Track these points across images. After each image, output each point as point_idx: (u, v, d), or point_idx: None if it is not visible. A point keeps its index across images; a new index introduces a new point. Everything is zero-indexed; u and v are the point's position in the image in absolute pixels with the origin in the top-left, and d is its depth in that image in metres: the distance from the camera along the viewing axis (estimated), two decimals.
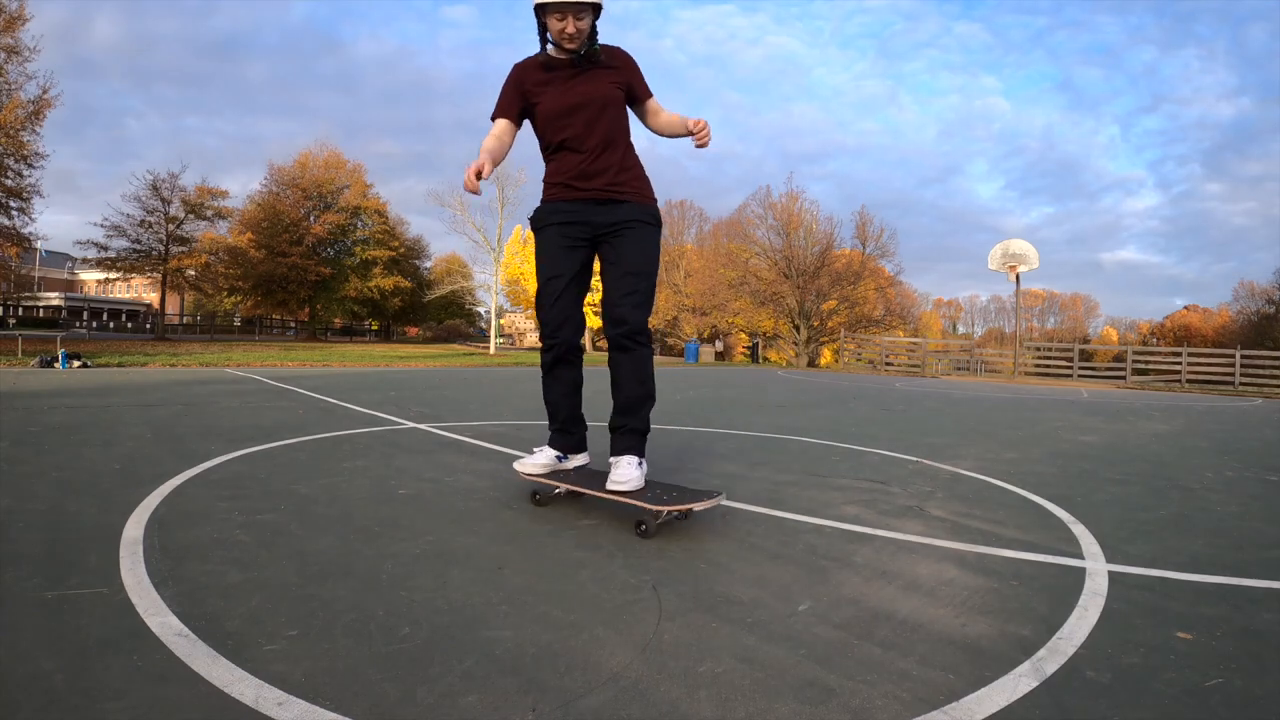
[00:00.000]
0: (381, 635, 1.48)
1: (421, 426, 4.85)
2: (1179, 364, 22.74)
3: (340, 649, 1.41)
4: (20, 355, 12.20)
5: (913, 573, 2.03)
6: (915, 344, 31.12)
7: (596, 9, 2.40)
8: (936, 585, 1.93)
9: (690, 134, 2.52)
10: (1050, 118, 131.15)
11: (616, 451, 2.50)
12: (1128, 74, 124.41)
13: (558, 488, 2.62)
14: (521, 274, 39.53)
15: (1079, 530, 2.58)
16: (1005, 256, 24.10)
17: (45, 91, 18.62)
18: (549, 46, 2.50)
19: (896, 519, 2.68)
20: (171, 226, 27.23)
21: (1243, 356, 21.61)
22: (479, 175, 2.29)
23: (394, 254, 37.26)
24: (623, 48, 2.59)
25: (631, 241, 2.50)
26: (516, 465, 2.69)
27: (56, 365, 10.68)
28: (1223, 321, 52.70)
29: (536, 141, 2.64)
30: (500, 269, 32.63)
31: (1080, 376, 24.29)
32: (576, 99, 2.48)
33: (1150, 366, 26.67)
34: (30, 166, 18.89)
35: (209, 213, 28.65)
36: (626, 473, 2.40)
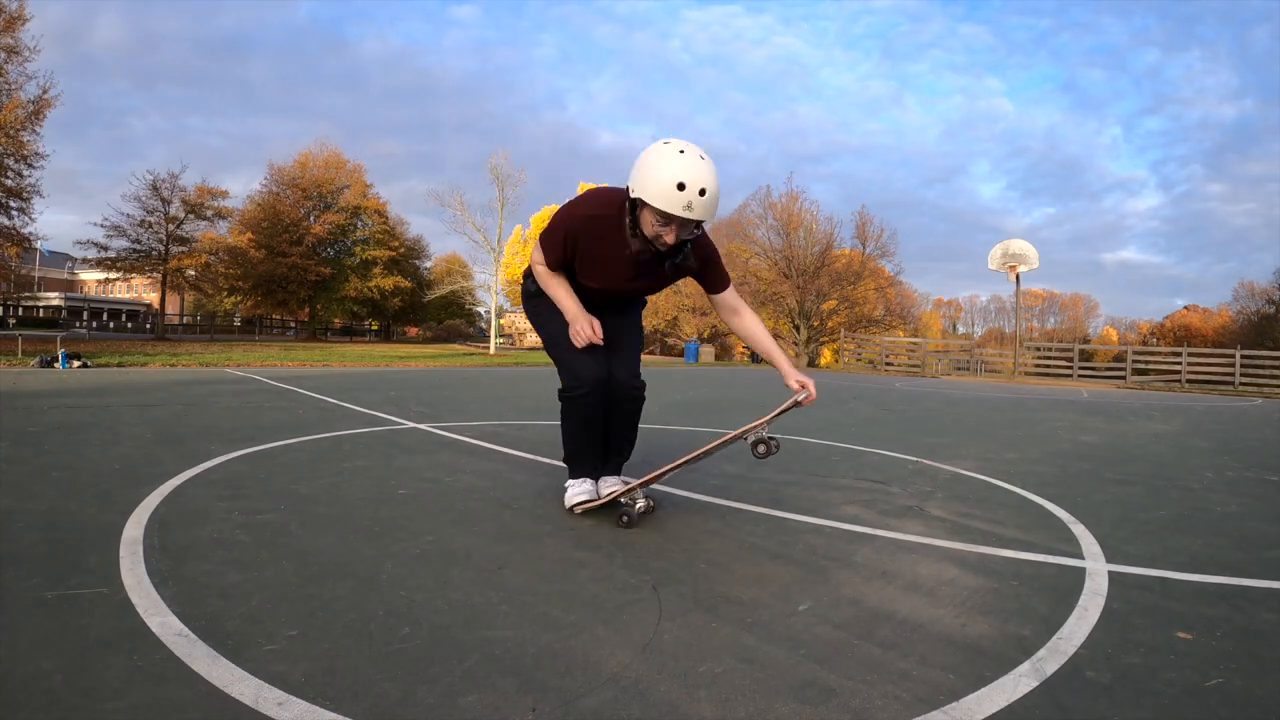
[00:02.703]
0: (381, 635, 1.48)
1: (421, 426, 4.85)
2: (1179, 364, 22.75)
3: (340, 649, 1.41)
4: (20, 355, 12.20)
5: (913, 573, 2.03)
6: (915, 344, 31.12)
7: (700, 224, 2.15)
8: (936, 585, 1.93)
9: (792, 391, 2.36)
10: (1053, 119, 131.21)
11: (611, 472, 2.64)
12: (1131, 75, 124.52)
13: (639, 502, 2.46)
14: (521, 274, 39.49)
15: (1079, 530, 2.58)
16: (1005, 256, 24.10)
17: (45, 91, 18.63)
18: (635, 235, 2.18)
19: (896, 519, 2.67)
20: (171, 226, 27.24)
21: (1243, 357, 21.61)
22: (595, 332, 2.31)
23: (394, 254, 37.27)
24: (708, 238, 2.33)
25: (636, 306, 2.65)
26: (569, 502, 2.56)
27: (56, 365, 10.68)
28: (1223, 321, 52.70)
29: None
30: (500, 269, 32.61)
31: (1080, 376, 24.29)
32: (635, 287, 2.39)
33: (1150, 366, 26.67)
34: (30, 166, 18.90)
35: (209, 213, 28.67)
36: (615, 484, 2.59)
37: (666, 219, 2.08)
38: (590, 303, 2.44)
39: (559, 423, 2.57)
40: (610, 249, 2.25)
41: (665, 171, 2.02)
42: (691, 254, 2.28)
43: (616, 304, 2.55)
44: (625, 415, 2.55)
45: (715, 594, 1.80)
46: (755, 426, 2.39)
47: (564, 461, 2.61)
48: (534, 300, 2.55)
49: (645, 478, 2.51)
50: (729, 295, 2.45)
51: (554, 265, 2.37)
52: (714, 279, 2.42)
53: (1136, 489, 3.50)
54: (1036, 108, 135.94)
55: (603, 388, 2.42)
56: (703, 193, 2.02)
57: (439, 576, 1.85)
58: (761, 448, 2.36)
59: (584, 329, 2.27)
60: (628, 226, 2.17)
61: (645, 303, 2.75)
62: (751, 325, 2.49)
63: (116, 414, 5.04)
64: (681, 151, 2.04)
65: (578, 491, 2.55)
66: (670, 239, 2.12)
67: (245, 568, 1.86)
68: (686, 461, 2.48)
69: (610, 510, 2.59)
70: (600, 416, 2.48)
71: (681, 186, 2.00)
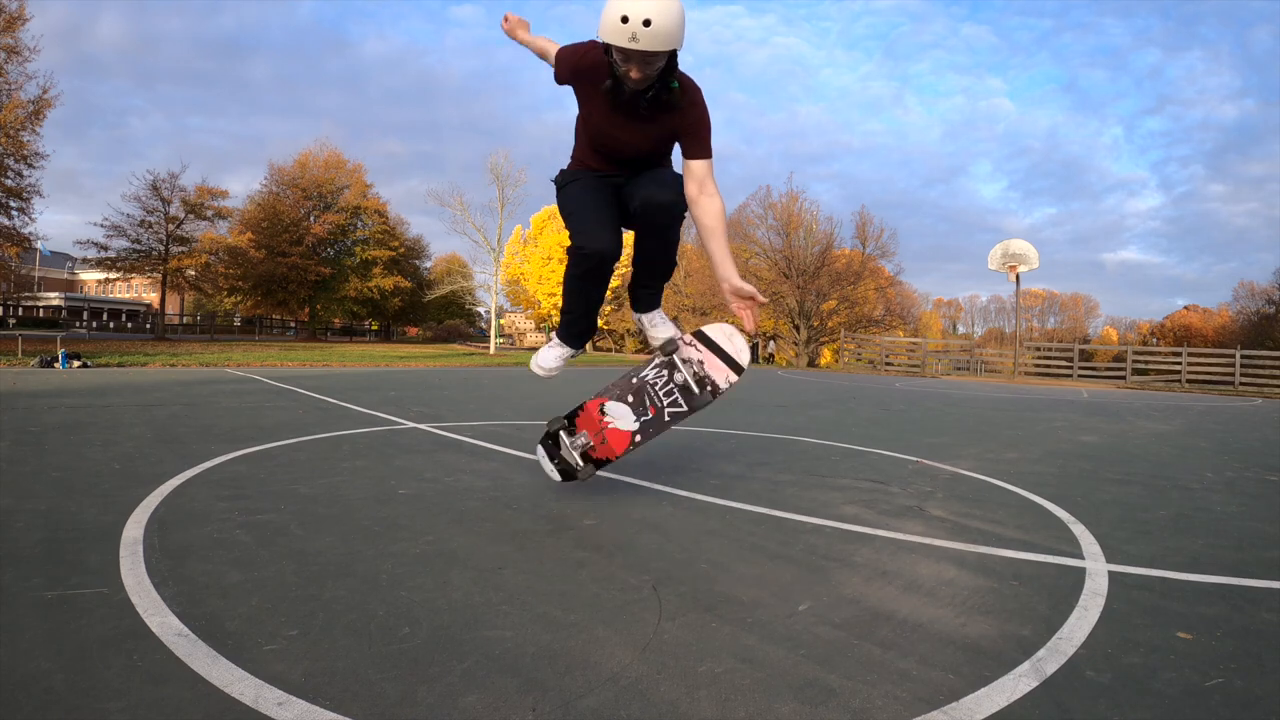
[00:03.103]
0: (381, 635, 1.48)
1: (421, 426, 4.85)
2: (1179, 364, 22.74)
3: (340, 649, 1.41)
4: (20, 355, 12.20)
5: (913, 573, 2.03)
6: (915, 344, 31.12)
7: (672, 54, 2.15)
8: (936, 585, 1.93)
9: (735, 297, 2.36)
10: (1055, 119, 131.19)
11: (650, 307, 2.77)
12: (1133, 76, 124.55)
13: (580, 467, 2.62)
14: (521, 274, 39.51)
15: (1079, 530, 2.58)
16: (1005, 256, 24.10)
17: (45, 91, 18.63)
18: (613, 75, 2.22)
19: (896, 519, 2.67)
20: (171, 226, 27.24)
21: (1243, 357, 21.61)
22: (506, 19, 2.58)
23: (394, 254, 37.26)
24: (698, 88, 2.33)
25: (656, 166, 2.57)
26: (534, 368, 2.83)
27: (56, 365, 10.68)
28: (1223, 321, 52.69)
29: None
30: (500, 269, 32.61)
31: (1080, 376, 24.29)
32: (623, 136, 2.39)
33: (1150, 366, 26.68)
34: (30, 166, 18.90)
35: (209, 213, 28.67)
36: (667, 329, 2.74)
37: (623, 54, 2.09)
38: (602, 163, 2.50)
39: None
40: (596, 90, 2.30)
41: (612, 6, 2.03)
42: (678, 98, 2.26)
43: (633, 168, 2.52)
44: (654, 240, 2.58)
45: (715, 594, 1.80)
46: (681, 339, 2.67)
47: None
48: (562, 190, 2.61)
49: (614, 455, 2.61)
50: (703, 167, 2.35)
51: (557, 80, 2.46)
52: (693, 144, 2.36)
53: (1136, 489, 3.50)
54: (1038, 108, 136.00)
55: (602, 259, 2.46)
56: (647, 23, 2.00)
57: (439, 576, 1.85)
58: (660, 357, 2.64)
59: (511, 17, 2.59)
60: (609, 67, 2.21)
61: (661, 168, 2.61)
62: (714, 214, 2.35)
63: (116, 414, 5.04)
64: None
65: (548, 354, 2.78)
66: (635, 74, 2.13)
67: (245, 568, 1.86)
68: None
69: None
70: (594, 286, 2.60)
71: (625, 19, 2.00)
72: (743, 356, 2.61)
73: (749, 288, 2.31)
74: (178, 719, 1.15)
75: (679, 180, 2.43)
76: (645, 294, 2.77)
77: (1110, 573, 2.08)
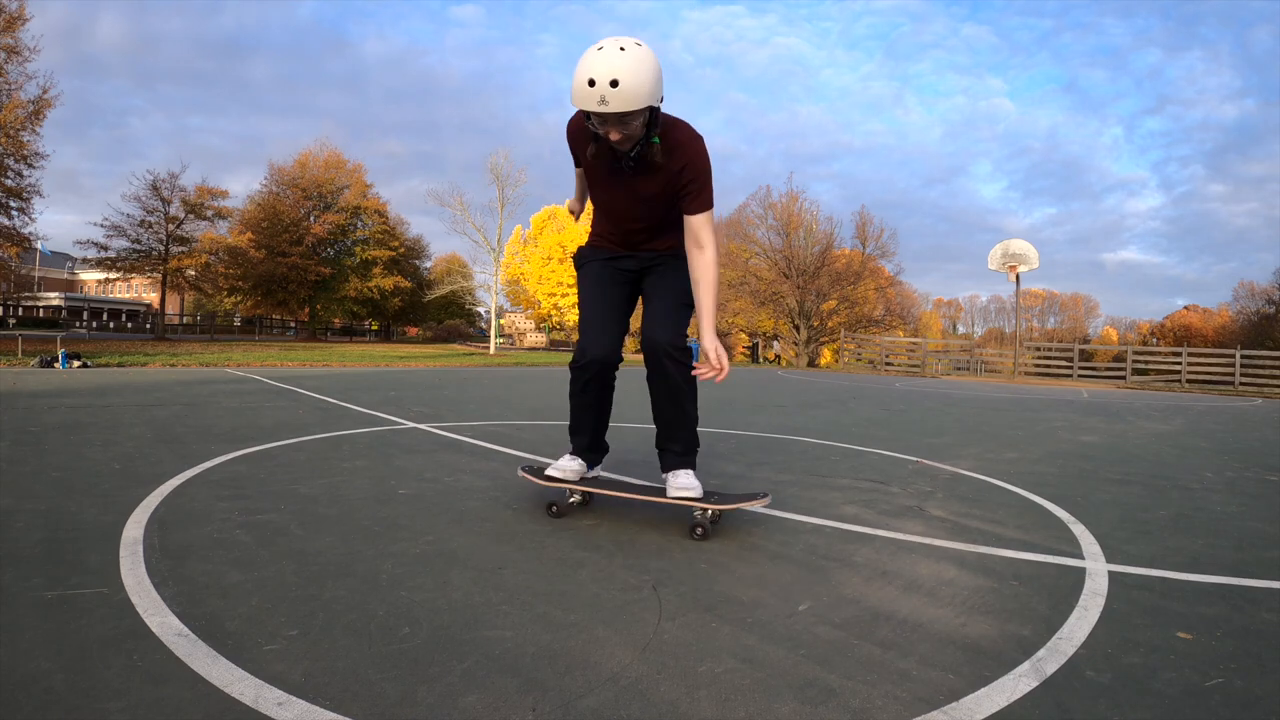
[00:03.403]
0: (381, 635, 1.48)
1: (421, 426, 4.85)
2: (1179, 364, 22.74)
3: (340, 649, 1.41)
4: (20, 355, 12.20)
5: (913, 573, 2.03)
6: (915, 344, 31.12)
7: (651, 111, 2.07)
8: (936, 585, 1.93)
9: (706, 359, 2.23)
10: (1055, 119, 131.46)
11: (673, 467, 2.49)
12: (1133, 76, 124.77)
13: (573, 495, 2.60)
14: (521, 274, 39.49)
15: (1079, 530, 2.58)
16: (1005, 256, 24.10)
17: (45, 91, 18.63)
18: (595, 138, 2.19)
19: (896, 519, 2.67)
20: (171, 226, 27.24)
21: (1243, 356, 21.61)
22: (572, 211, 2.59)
23: (394, 254, 37.27)
24: (691, 133, 2.23)
25: (671, 270, 2.46)
26: (550, 470, 2.57)
27: (56, 365, 10.68)
28: (1223, 321, 52.69)
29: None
30: (500, 269, 32.62)
31: (1080, 376, 24.29)
32: (623, 200, 2.36)
33: (1150, 366, 26.68)
34: (30, 166, 18.89)
35: (209, 213, 28.68)
36: (689, 481, 2.42)
37: (599, 118, 2.04)
38: (617, 235, 2.49)
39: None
40: (587, 157, 2.30)
41: (579, 72, 1.99)
42: (658, 154, 2.17)
43: (648, 236, 2.45)
44: (659, 387, 2.42)
45: (715, 594, 1.80)
46: (705, 506, 2.35)
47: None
48: (579, 272, 2.61)
49: (602, 489, 2.56)
50: (697, 222, 2.26)
51: (577, 164, 2.48)
52: (685, 200, 2.25)
53: (1136, 489, 3.50)
54: (1038, 108, 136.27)
55: (602, 366, 2.44)
56: (614, 84, 1.95)
57: (439, 576, 1.85)
58: (699, 530, 2.30)
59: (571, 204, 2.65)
60: (591, 128, 2.15)
61: (682, 264, 2.43)
62: (703, 268, 2.27)
63: (116, 414, 5.04)
64: (600, 48, 1.99)
65: (558, 465, 2.57)
66: (615, 136, 2.08)
67: (245, 568, 1.86)
68: (637, 496, 2.50)
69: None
70: (594, 396, 2.52)
71: (592, 83, 1.96)
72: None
73: (721, 357, 2.20)
74: (178, 719, 1.15)
75: (669, 309, 2.40)
76: (670, 456, 2.50)
77: (1110, 573, 2.08)
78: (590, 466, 2.65)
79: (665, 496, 2.42)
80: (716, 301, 2.30)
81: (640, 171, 2.23)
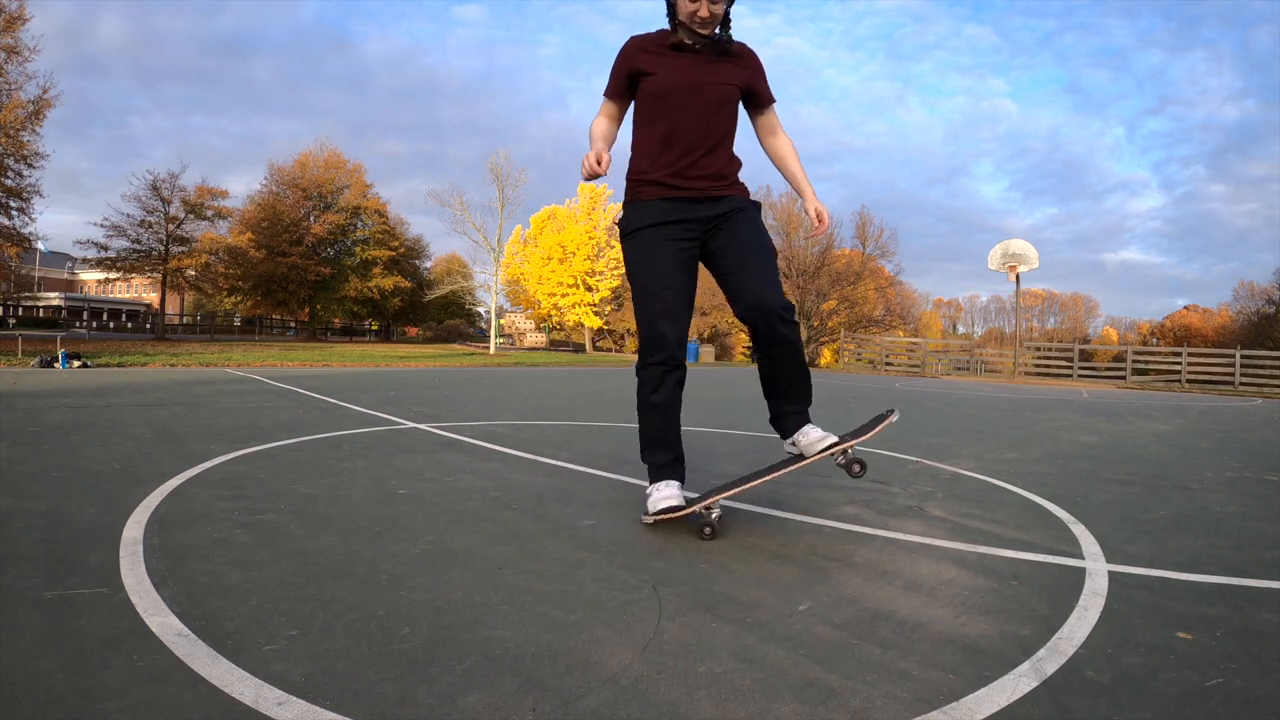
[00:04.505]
0: (381, 635, 1.48)
1: (421, 426, 4.85)
2: (1179, 364, 22.75)
3: (340, 649, 1.41)
4: (20, 355, 12.20)
5: (913, 573, 2.03)
6: (915, 344, 31.12)
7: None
8: (936, 585, 1.93)
9: (807, 214, 2.44)
10: (1056, 119, 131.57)
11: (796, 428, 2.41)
12: (1135, 76, 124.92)
13: (713, 510, 2.28)
14: (521, 274, 39.50)
15: (1079, 530, 2.58)
16: (1005, 256, 24.11)
17: (45, 91, 18.67)
18: (677, 28, 2.29)
19: (896, 519, 2.67)
20: (171, 226, 27.26)
21: (1243, 356, 21.62)
22: (599, 162, 2.20)
23: (394, 254, 37.29)
24: (754, 53, 2.41)
25: (745, 224, 2.36)
26: (651, 511, 2.31)
27: (56, 365, 10.68)
28: (1223, 321, 52.70)
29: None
30: (500, 269, 32.63)
31: (1080, 376, 24.29)
32: (695, 82, 2.29)
33: (1150, 366, 26.69)
34: (30, 166, 18.92)
35: (209, 213, 28.70)
36: (820, 432, 2.37)
37: None
38: (677, 165, 2.31)
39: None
40: (662, 49, 2.33)
41: None
42: (739, 48, 2.37)
43: (711, 158, 2.36)
44: (778, 353, 2.34)
45: (715, 594, 1.80)
46: (845, 445, 2.30)
47: (642, 459, 2.40)
48: (627, 240, 2.39)
49: (731, 490, 2.33)
50: (770, 115, 2.52)
51: (610, 94, 2.40)
52: (763, 88, 2.45)
53: (1136, 489, 3.50)
54: (1040, 109, 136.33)
55: (680, 359, 2.31)
56: None
57: (439, 576, 1.85)
58: (857, 467, 2.29)
59: (590, 158, 2.22)
60: (670, 21, 2.32)
61: (759, 224, 2.44)
62: (783, 147, 2.54)
63: (116, 414, 5.04)
64: None
65: (659, 497, 2.29)
66: (705, 12, 2.20)
67: (245, 568, 1.86)
68: (775, 476, 2.33)
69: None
70: (674, 395, 2.34)
71: None
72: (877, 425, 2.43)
73: (825, 215, 2.44)
74: (177, 719, 1.15)
75: (769, 267, 2.34)
76: (795, 418, 2.42)
77: (1110, 573, 2.08)
78: (682, 482, 2.39)
79: (805, 458, 2.35)
80: None
81: (720, 55, 2.34)
